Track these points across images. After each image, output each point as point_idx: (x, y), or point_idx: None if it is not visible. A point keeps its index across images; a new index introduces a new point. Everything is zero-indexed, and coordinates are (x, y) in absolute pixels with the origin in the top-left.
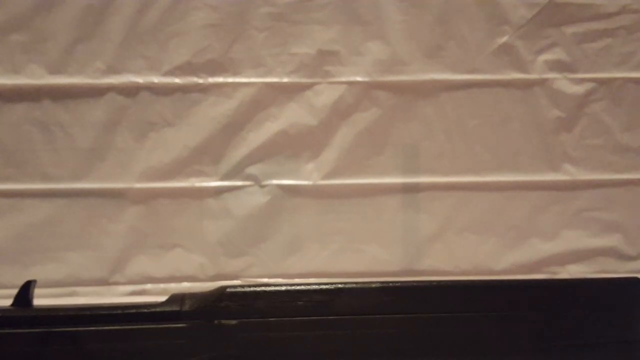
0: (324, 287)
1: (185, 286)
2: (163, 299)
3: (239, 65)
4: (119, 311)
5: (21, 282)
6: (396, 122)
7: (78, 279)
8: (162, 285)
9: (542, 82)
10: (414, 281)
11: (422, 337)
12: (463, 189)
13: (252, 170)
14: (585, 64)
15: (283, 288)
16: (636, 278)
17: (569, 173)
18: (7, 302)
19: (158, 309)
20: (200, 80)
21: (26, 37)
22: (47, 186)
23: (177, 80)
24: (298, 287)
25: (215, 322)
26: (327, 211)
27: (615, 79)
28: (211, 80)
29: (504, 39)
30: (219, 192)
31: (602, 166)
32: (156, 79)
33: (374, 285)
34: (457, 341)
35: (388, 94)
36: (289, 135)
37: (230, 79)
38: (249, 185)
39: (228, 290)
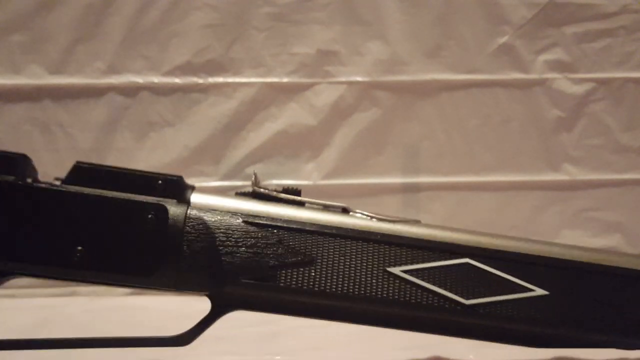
0: None
1: None
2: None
3: (239, 65)
4: None
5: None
6: (396, 122)
7: None
8: None
9: (542, 82)
10: None
11: None
12: (463, 189)
13: (252, 170)
14: (585, 63)
15: None
16: None
17: (569, 173)
18: (7, 302)
19: None
20: (201, 80)
21: (26, 37)
22: None
23: (177, 80)
24: None
25: None
26: None
27: (615, 78)
28: (211, 80)
29: (504, 39)
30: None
31: (602, 166)
32: (156, 79)
33: None
34: None
35: (388, 94)
36: (289, 135)
37: (230, 79)
38: (249, 186)
39: None
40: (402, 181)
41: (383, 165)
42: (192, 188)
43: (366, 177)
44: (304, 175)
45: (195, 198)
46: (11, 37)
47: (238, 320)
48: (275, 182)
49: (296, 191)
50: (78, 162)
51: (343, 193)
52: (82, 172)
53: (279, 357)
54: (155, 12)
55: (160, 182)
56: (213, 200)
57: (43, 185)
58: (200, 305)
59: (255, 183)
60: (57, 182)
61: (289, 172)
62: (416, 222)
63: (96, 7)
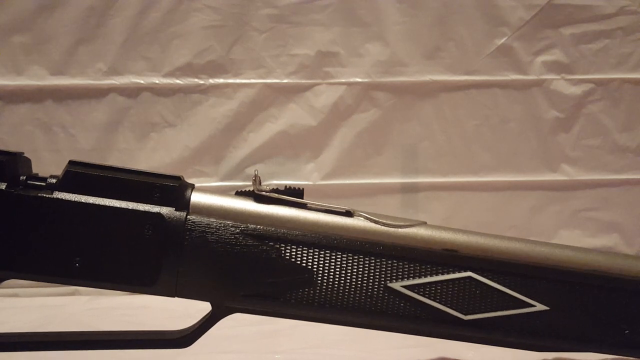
0: None
1: None
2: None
3: (240, 67)
4: None
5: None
6: (395, 122)
7: None
8: None
9: (540, 83)
10: None
11: None
12: (462, 189)
13: (252, 170)
14: (583, 65)
15: None
16: None
17: (567, 173)
18: (10, 301)
19: None
20: (201, 81)
21: (28, 39)
22: None
23: (178, 81)
24: None
25: None
26: None
27: (613, 79)
28: (212, 81)
29: (503, 40)
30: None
31: (600, 166)
32: (157, 80)
33: None
34: None
35: (387, 95)
36: (289, 135)
37: (230, 80)
38: (249, 186)
39: None
40: (401, 181)
41: (382, 165)
42: (192, 187)
43: (365, 178)
44: (303, 176)
45: (194, 199)
46: (13, 39)
47: (238, 319)
48: (275, 182)
49: (299, 191)
50: (70, 165)
51: (343, 193)
52: (75, 177)
53: (278, 356)
54: (156, 13)
55: (157, 187)
56: (212, 203)
57: (33, 194)
58: (201, 305)
59: (256, 183)
60: (53, 180)
61: (289, 172)
62: (422, 224)
63: (97, 9)
